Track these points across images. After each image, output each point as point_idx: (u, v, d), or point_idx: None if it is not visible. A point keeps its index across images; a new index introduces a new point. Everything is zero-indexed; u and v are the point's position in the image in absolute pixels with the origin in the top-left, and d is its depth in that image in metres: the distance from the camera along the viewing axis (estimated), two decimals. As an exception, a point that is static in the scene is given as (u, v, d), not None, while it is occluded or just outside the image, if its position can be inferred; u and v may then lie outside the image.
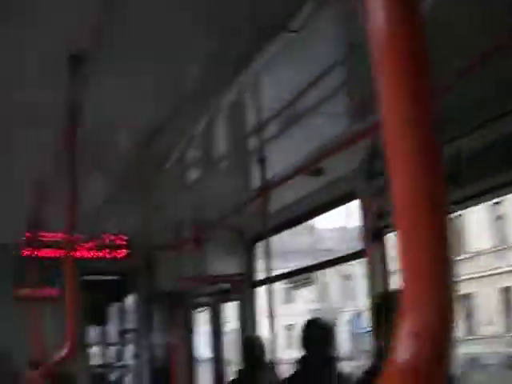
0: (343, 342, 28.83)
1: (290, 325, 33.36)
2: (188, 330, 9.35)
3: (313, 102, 4.34)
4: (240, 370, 6.62)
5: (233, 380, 6.76)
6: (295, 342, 5.18)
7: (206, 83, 3.95)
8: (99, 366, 10.08)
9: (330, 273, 34.29)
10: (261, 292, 7.01)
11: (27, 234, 7.13)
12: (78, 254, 3.92)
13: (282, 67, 3.84)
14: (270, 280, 5.66)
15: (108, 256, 9.03)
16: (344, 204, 6.14)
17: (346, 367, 5.44)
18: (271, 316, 5.39)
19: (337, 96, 4.28)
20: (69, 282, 3.25)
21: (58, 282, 8.00)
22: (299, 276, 7.03)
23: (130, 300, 10.44)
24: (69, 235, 3.31)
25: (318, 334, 5.14)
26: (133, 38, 3.39)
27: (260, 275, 7.78)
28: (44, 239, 7.51)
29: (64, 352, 3.18)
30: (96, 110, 4.08)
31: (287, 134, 4.93)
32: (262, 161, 5.38)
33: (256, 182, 5.81)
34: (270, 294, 5.48)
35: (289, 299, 38.88)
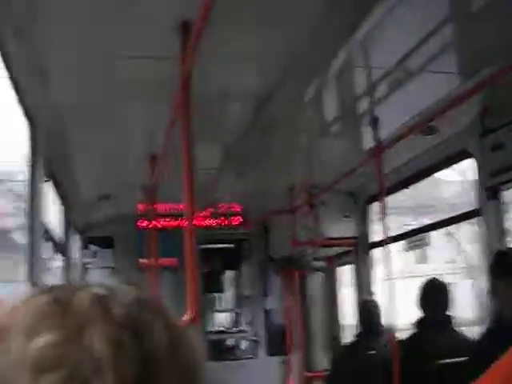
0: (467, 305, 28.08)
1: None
2: (303, 294, 9.41)
3: (423, 61, 4.28)
4: (356, 334, 6.65)
5: (348, 345, 6.80)
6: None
7: (315, 46, 3.93)
8: (216, 332, 10.27)
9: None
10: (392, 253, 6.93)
11: (145, 206, 7.32)
12: (195, 223, 3.98)
13: (391, 26, 3.79)
14: (385, 242, 5.62)
15: (223, 224, 9.18)
16: (458, 162, 6.03)
17: (468, 331, 5.35)
18: (389, 279, 5.34)
19: (447, 53, 4.21)
20: (189, 251, 3.32)
21: (176, 252, 8.24)
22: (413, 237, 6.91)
23: (245, 267, 10.59)
24: (188, 205, 3.36)
25: (434, 295, 5.09)
26: (241, 3, 3.40)
27: (376, 237, 7.77)
28: (161, 210, 7.71)
29: (186, 319, 3.25)
30: (206, 79, 4.13)
31: (398, 93, 4.87)
32: (374, 122, 5.33)
33: (368, 143, 5.78)
34: (386, 256, 5.44)
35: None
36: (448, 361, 4.58)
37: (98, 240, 9.19)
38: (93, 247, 9.13)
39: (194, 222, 3.49)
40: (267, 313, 9.89)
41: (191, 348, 0.77)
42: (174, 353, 0.72)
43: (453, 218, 6.35)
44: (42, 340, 0.67)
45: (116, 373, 0.66)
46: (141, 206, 7.91)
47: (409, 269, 28.50)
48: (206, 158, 5.83)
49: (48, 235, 5.34)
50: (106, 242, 9.14)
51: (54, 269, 7.34)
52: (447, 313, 5.04)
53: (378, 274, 5.96)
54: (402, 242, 6.61)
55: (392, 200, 6.57)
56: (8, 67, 3.56)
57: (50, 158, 4.97)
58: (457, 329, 5.01)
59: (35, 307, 0.72)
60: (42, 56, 3.79)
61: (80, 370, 0.65)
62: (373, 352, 5.87)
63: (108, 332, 0.69)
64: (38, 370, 0.66)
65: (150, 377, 0.68)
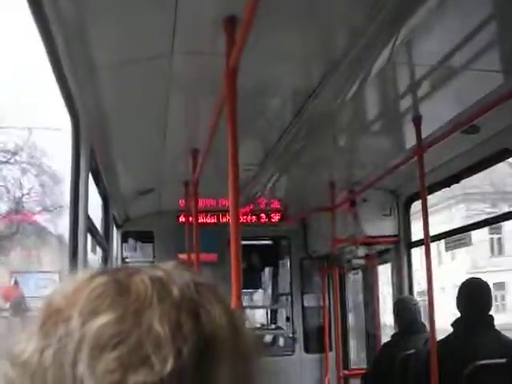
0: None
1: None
2: (341, 293, 9.41)
3: (467, 58, 4.25)
4: (395, 333, 6.62)
5: (386, 343, 6.77)
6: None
7: (358, 44, 3.92)
8: (254, 328, 10.31)
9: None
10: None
11: (186, 201, 7.36)
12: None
13: (435, 24, 3.77)
14: (426, 241, 5.58)
15: (263, 221, 9.21)
16: (500, 161, 5.99)
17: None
18: (429, 277, 5.31)
19: (491, 51, 4.17)
20: (234, 247, 3.34)
21: (215, 247, 8.28)
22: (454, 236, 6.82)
23: (283, 264, 10.61)
24: (233, 201, 3.39)
25: (473, 296, 5.06)
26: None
27: (416, 236, 7.73)
28: (202, 206, 7.76)
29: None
30: (249, 75, 4.14)
31: (441, 91, 4.85)
32: (417, 120, 5.31)
33: (410, 141, 5.75)
34: (427, 254, 5.41)
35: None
36: (487, 362, 4.55)
37: (138, 234, 9.28)
38: (132, 241, 9.22)
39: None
40: (305, 310, 9.90)
41: (247, 331, 0.79)
42: (232, 333, 0.74)
43: (503, 214, 6.26)
44: (102, 319, 0.69)
45: (176, 350, 0.68)
46: (182, 201, 7.95)
47: (481, 263, 27.37)
48: (247, 153, 5.85)
49: (89, 228, 5.40)
50: (146, 237, 9.22)
51: (94, 262, 7.42)
52: (487, 313, 5.01)
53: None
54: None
55: (465, 186, 6.52)
56: (54, 60, 3.60)
57: (92, 151, 5.03)
58: (498, 330, 4.98)
59: (95, 288, 0.74)
60: (89, 49, 3.83)
61: (140, 347, 0.67)
62: (411, 351, 5.84)
63: (167, 312, 0.71)
64: (99, 348, 0.68)
65: (209, 356, 0.70)
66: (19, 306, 26.42)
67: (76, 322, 0.70)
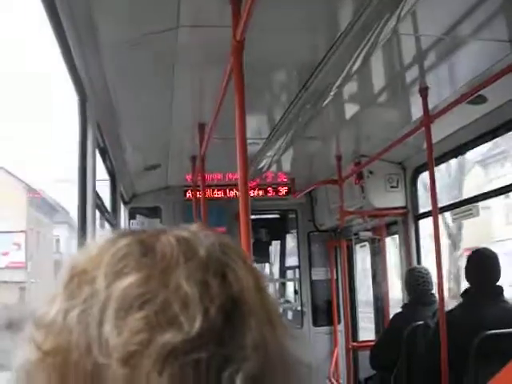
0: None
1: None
2: (349, 265, 9.43)
3: (473, 28, 4.22)
4: (405, 304, 6.62)
5: (397, 314, 6.77)
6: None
7: (363, 15, 3.90)
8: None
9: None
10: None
11: (193, 176, 7.37)
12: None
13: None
14: (433, 212, 5.58)
15: (270, 194, 9.22)
16: (508, 131, 5.96)
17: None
18: (437, 248, 5.32)
19: (498, 21, 4.14)
20: (244, 221, 3.34)
21: (223, 221, 8.30)
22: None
23: (290, 237, 10.64)
24: (242, 174, 3.39)
25: (481, 265, 5.06)
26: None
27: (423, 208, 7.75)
28: (209, 180, 7.76)
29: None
30: (255, 48, 4.12)
31: (448, 62, 4.83)
32: (423, 91, 5.29)
33: (417, 112, 5.73)
34: (436, 225, 5.41)
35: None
36: (495, 332, 4.57)
37: (146, 210, 9.29)
38: (140, 217, 9.23)
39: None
40: (313, 283, 9.93)
41: (271, 293, 0.79)
42: (258, 295, 0.74)
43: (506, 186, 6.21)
44: (128, 280, 0.70)
45: (204, 310, 0.68)
46: (189, 176, 7.95)
47: (497, 233, 26.87)
48: (253, 127, 5.85)
49: (97, 204, 5.42)
50: (154, 212, 9.23)
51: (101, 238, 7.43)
52: (495, 284, 5.01)
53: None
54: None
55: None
56: (60, 36, 3.60)
57: (99, 128, 5.03)
58: (507, 300, 4.99)
59: (119, 249, 0.74)
60: (94, 25, 3.83)
61: (167, 307, 0.68)
62: (420, 323, 5.85)
63: (194, 272, 0.71)
64: (125, 308, 0.68)
65: (236, 316, 0.70)
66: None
67: (101, 283, 0.70)
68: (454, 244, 25.04)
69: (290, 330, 0.77)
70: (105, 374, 0.67)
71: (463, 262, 5.37)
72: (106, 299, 0.69)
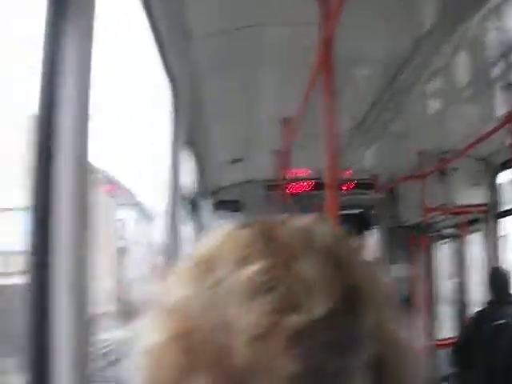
0: None
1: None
2: (430, 262, 9.34)
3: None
4: (487, 302, 6.56)
5: (477, 313, 6.71)
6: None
7: (449, 11, 3.92)
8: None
9: None
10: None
11: (277, 170, 7.41)
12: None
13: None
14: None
15: (352, 190, 9.20)
16: None
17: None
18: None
19: None
20: (332, 216, 3.41)
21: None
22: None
23: (371, 233, 10.59)
24: (330, 168, 3.44)
25: (496, 282, 5.94)
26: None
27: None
28: (292, 175, 7.81)
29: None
30: (340, 46, 4.17)
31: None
32: (508, 87, 5.24)
33: (502, 109, 5.68)
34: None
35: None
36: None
37: (227, 204, 9.38)
38: (222, 210, 9.32)
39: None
40: (393, 281, 9.83)
41: (387, 284, 0.83)
42: (376, 285, 0.79)
43: None
44: (253, 267, 0.73)
45: (327, 296, 0.71)
46: (271, 171, 8.01)
47: None
48: (341, 122, 5.87)
49: (183, 198, 5.52)
50: (235, 206, 9.32)
51: (186, 230, 7.57)
52: (507, 294, 5.90)
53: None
54: None
55: None
56: (154, 33, 3.71)
57: (188, 120, 5.14)
58: None
59: (242, 239, 0.78)
60: (185, 19, 3.93)
61: (292, 293, 0.71)
62: (501, 321, 5.80)
63: (315, 261, 0.74)
64: (251, 294, 0.72)
65: (357, 302, 0.74)
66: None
67: (227, 270, 0.74)
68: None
69: (399, 316, 0.82)
70: (231, 355, 0.71)
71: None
72: (231, 285, 0.73)
